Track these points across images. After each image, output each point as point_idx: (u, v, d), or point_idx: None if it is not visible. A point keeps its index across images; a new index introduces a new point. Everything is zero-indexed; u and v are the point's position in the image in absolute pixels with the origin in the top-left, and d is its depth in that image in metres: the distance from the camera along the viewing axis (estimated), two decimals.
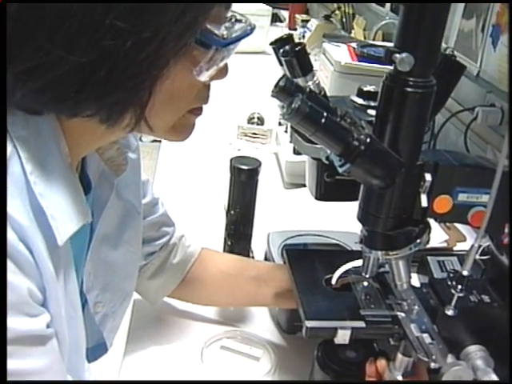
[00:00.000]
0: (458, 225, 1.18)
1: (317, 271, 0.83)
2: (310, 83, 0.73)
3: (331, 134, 0.56)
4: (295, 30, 2.89)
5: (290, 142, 0.81)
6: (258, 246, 1.03)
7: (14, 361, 0.48)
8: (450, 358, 0.67)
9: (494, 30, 1.37)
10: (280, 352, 0.88)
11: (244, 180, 0.93)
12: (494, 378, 0.64)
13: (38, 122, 0.53)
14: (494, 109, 1.31)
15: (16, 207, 0.49)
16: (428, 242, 0.68)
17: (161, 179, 1.37)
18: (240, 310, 0.96)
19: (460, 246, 1.14)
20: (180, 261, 0.89)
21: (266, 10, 2.70)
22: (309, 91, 0.64)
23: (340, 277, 0.80)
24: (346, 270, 0.81)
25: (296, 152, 0.82)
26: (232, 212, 0.95)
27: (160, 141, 1.59)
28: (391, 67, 0.60)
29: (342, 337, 0.71)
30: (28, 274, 0.50)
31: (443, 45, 0.60)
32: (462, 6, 1.53)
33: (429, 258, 0.96)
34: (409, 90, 0.58)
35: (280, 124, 1.54)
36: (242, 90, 1.89)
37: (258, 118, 1.64)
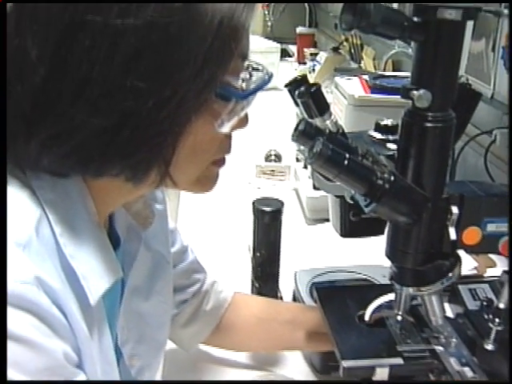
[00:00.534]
0: None
1: (349, 308, 0.82)
2: (327, 122, 0.73)
3: (355, 174, 0.56)
4: (304, 63, 2.92)
5: (310, 177, 0.81)
6: (285, 285, 1.02)
7: None
8: None
9: (504, 52, 1.38)
10: None
11: (268, 222, 0.93)
12: None
13: (64, 184, 0.54)
14: None
15: (47, 270, 0.50)
16: (460, 274, 0.67)
17: (183, 221, 1.37)
18: (272, 353, 0.95)
19: (490, 272, 1.12)
20: (213, 307, 0.89)
21: (274, 47, 2.75)
22: (328, 132, 0.65)
23: (373, 312, 0.79)
24: (379, 305, 0.80)
25: (316, 187, 0.83)
26: (258, 254, 0.95)
27: None
28: (405, 99, 0.60)
29: (381, 375, 0.70)
30: (63, 337, 0.50)
31: None
32: (470, 27, 1.54)
33: (460, 286, 0.95)
34: (428, 125, 0.59)
35: (298, 160, 1.55)
36: (257, 127, 1.90)
37: (275, 155, 1.65)
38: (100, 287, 0.55)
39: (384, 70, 2.03)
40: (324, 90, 0.76)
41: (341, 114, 1.38)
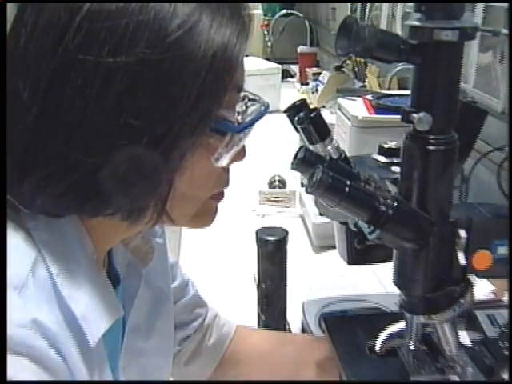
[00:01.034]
0: None
1: (359, 338, 0.83)
2: (329, 147, 0.75)
3: (356, 202, 0.58)
4: (307, 84, 2.96)
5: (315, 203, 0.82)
6: (293, 316, 1.03)
7: None
8: None
9: None
10: None
11: (272, 252, 0.94)
12: None
13: (60, 224, 0.55)
14: None
15: (45, 313, 0.50)
16: (472, 301, 0.67)
17: (185, 252, 1.38)
18: None
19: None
20: (215, 342, 0.89)
21: (275, 68, 2.78)
22: (329, 159, 0.66)
23: (384, 342, 0.80)
24: (390, 335, 0.80)
25: (322, 213, 0.84)
26: (263, 285, 0.96)
27: None
28: (405, 123, 0.62)
29: None
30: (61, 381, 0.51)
31: (462, 84, 0.62)
32: (477, 40, 1.56)
33: (477, 312, 0.95)
34: (430, 148, 0.60)
35: (303, 185, 1.56)
36: (259, 152, 1.92)
37: (280, 181, 1.67)
38: (100, 328, 0.55)
39: (389, 88, 2.06)
40: (328, 111, 0.77)
41: (345, 136, 1.40)
